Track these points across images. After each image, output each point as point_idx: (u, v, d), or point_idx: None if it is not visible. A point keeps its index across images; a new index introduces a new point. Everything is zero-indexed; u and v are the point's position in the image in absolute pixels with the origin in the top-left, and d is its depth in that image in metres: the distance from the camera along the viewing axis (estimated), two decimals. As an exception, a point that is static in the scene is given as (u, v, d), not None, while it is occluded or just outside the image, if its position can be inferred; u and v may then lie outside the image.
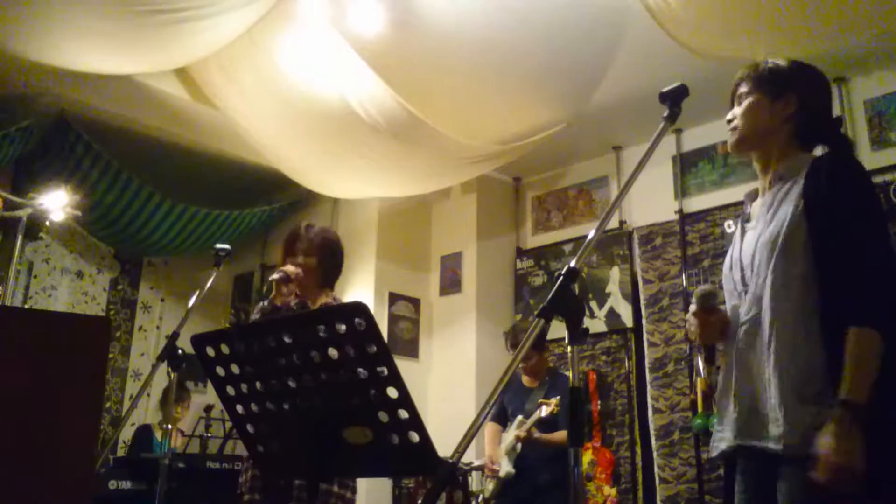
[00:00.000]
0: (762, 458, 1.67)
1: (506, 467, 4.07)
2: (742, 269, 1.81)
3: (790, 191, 1.76)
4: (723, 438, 1.79)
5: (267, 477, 2.58)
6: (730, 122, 1.91)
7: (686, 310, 5.04)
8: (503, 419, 4.29)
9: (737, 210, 5.09)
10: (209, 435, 5.71)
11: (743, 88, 1.91)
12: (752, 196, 1.95)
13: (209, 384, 3.54)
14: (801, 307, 1.64)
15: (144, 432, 5.23)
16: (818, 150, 1.89)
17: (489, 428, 4.33)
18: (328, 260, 2.84)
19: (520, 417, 4.08)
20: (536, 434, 3.98)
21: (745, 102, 1.88)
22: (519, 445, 4.02)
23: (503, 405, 4.30)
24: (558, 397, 3.93)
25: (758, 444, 1.68)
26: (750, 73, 1.91)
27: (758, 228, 1.80)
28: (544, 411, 3.91)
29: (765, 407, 1.66)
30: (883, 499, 1.51)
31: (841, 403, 1.50)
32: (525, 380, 4.27)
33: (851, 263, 1.60)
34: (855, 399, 1.49)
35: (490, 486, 4.16)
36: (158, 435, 5.28)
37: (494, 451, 4.21)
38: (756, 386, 1.70)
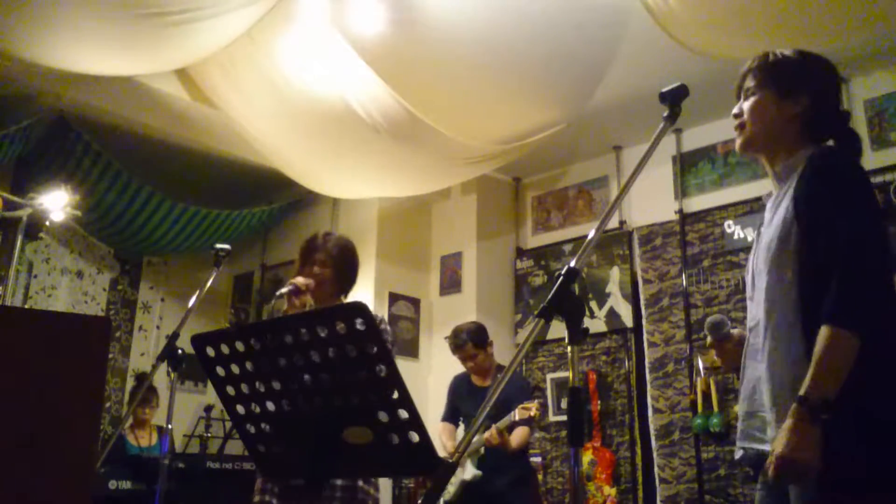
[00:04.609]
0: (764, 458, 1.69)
1: (471, 470, 3.98)
2: (753, 275, 1.80)
3: (787, 192, 1.73)
4: (739, 447, 1.80)
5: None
6: (737, 116, 1.84)
7: (686, 310, 5.10)
8: (455, 420, 4.19)
9: (737, 210, 5.10)
10: (209, 435, 5.71)
11: (750, 82, 1.82)
12: (770, 197, 1.89)
13: (209, 384, 3.54)
14: (791, 310, 1.64)
15: (118, 441, 5.19)
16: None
17: (443, 427, 4.20)
18: (344, 270, 2.82)
19: (493, 427, 3.89)
20: (507, 437, 3.83)
21: (753, 99, 1.80)
22: (483, 448, 3.96)
23: (455, 406, 4.19)
24: (538, 401, 3.92)
25: (757, 446, 1.70)
26: (758, 65, 1.83)
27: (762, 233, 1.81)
28: (518, 416, 3.80)
29: (761, 410, 1.68)
30: (880, 497, 1.51)
31: (798, 400, 1.50)
32: (474, 379, 4.16)
33: (831, 264, 1.57)
34: (811, 396, 1.48)
35: (451, 489, 4.01)
36: (131, 439, 5.26)
37: (454, 445, 4.09)
38: (755, 390, 1.72)
